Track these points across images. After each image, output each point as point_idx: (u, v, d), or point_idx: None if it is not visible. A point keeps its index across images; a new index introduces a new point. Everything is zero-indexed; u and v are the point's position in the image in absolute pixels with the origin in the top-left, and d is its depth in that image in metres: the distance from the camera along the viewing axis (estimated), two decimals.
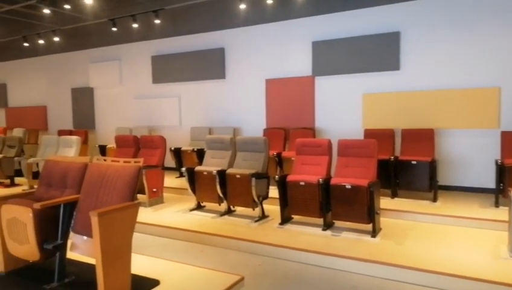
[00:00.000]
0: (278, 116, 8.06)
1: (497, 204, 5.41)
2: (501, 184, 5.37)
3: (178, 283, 3.28)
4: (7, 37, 10.48)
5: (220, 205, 5.54)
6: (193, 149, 7.90)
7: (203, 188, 5.52)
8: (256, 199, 5.10)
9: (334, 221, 4.84)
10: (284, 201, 4.89)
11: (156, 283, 3.23)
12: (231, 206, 5.60)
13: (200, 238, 4.74)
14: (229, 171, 5.34)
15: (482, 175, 6.33)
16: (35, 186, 6.31)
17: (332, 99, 7.52)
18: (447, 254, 3.95)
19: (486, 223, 4.82)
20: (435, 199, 5.78)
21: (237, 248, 4.45)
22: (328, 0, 7.09)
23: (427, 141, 6.32)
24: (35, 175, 7.18)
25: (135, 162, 3.15)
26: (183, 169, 5.70)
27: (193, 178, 5.57)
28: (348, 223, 4.71)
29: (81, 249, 3.08)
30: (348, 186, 4.45)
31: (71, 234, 3.16)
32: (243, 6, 6.98)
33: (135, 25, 8.45)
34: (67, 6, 7.49)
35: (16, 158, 7.84)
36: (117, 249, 2.87)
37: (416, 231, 4.76)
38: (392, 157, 5.97)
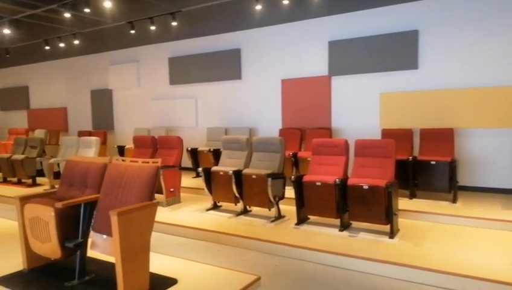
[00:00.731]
0: (294, 117, 8.04)
1: None
2: None
3: (195, 282, 3.31)
4: (29, 40, 10.77)
5: (236, 205, 5.56)
6: (209, 149, 7.95)
7: (220, 188, 5.55)
8: (272, 199, 5.10)
9: (351, 222, 4.80)
10: (300, 201, 4.87)
11: (173, 281, 3.26)
12: (247, 206, 5.61)
13: (217, 237, 4.76)
14: (245, 171, 5.35)
15: (504, 175, 6.18)
16: (56, 186, 6.46)
17: (349, 99, 7.46)
18: (467, 256, 3.87)
19: (509, 225, 4.70)
20: (454, 200, 5.67)
21: (253, 248, 4.46)
22: (344, 0, 7.05)
23: (446, 140, 6.21)
24: (56, 175, 7.35)
25: (153, 162, 3.20)
26: (200, 169, 5.75)
27: (209, 178, 5.61)
28: (365, 223, 4.66)
29: (101, 248, 3.14)
30: (366, 187, 4.41)
31: (91, 233, 3.23)
32: (259, 7, 6.99)
33: (153, 27, 8.56)
34: (87, 10, 7.65)
35: (37, 159, 8.03)
36: (136, 248, 2.91)
37: (436, 232, 4.68)
38: (411, 157, 5.89)
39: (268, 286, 3.53)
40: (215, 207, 5.89)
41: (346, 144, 5.01)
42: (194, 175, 8.34)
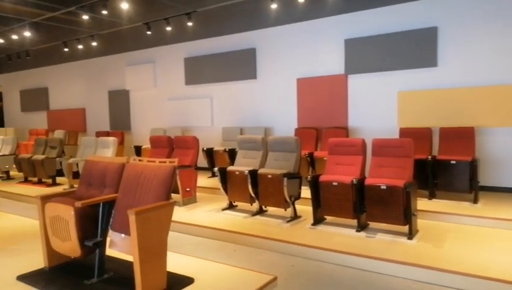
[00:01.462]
0: (310, 116, 7.99)
1: None
2: None
3: (212, 281, 3.32)
4: (48, 42, 11.01)
5: (251, 204, 5.55)
6: (225, 149, 7.97)
7: (235, 187, 5.56)
8: (288, 199, 5.07)
9: (368, 222, 4.74)
10: (317, 201, 4.84)
11: (190, 280, 3.27)
12: (263, 206, 5.60)
13: (233, 237, 4.77)
14: (261, 171, 5.34)
15: None
16: (75, 185, 6.57)
17: (366, 97, 7.37)
18: (488, 258, 3.78)
19: None
20: (475, 201, 5.54)
21: (269, 248, 4.44)
22: None
23: (467, 139, 6.07)
24: (75, 175, 7.48)
25: (170, 162, 3.22)
26: (216, 169, 5.77)
27: (225, 178, 5.62)
28: (383, 224, 4.60)
29: (119, 247, 3.18)
30: (383, 187, 4.34)
31: (110, 232, 3.27)
32: (274, 6, 6.98)
33: (169, 28, 8.64)
34: (104, 12, 7.76)
35: (57, 159, 8.19)
36: (153, 247, 2.94)
37: (456, 233, 4.58)
38: (430, 156, 5.78)
39: (285, 286, 3.51)
40: (230, 207, 5.90)
41: (364, 143, 4.95)
42: (210, 175, 8.38)
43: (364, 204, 4.54)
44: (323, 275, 3.79)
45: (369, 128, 7.24)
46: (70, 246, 3.14)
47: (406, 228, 4.37)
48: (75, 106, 12.55)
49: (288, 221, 5.11)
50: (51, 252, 3.46)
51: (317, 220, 4.92)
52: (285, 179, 4.99)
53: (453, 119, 6.43)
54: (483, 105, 6.26)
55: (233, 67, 8.96)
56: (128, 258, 3.17)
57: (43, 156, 8.26)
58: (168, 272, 3.13)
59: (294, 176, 5.18)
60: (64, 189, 7.35)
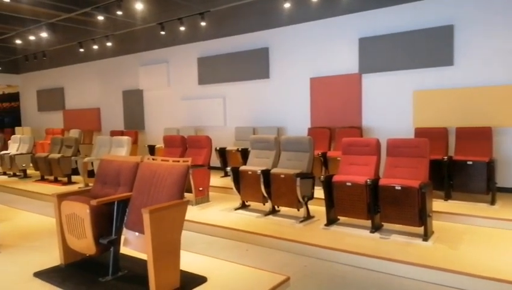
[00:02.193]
0: (323, 115, 7.94)
1: None
2: None
3: (225, 280, 3.32)
4: (64, 43, 11.19)
5: (264, 204, 5.54)
6: (238, 149, 7.98)
7: (248, 187, 5.56)
8: (301, 199, 5.05)
9: (382, 223, 4.68)
10: (330, 202, 4.80)
11: (203, 279, 3.28)
12: (275, 206, 5.59)
13: (245, 237, 4.77)
14: (274, 171, 5.33)
15: None
16: (90, 184, 6.65)
17: (381, 97, 7.29)
18: (506, 260, 3.69)
19: None
20: (493, 202, 5.43)
21: (282, 248, 4.43)
22: None
23: (484, 140, 5.95)
24: (90, 173, 7.58)
25: (184, 161, 3.23)
26: (228, 168, 5.78)
27: (238, 177, 5.62)
28: (397, 225, 4.54)
29: (133, 245, 3.21)
30: (398, 188, 4.29)
31: (124, 230, 3.30)
32: (287, 5, 6.95)
33: (182, 28, 8.69)
34: (119, 13, 7.85)
35: (73, 158, 8.31)
36: (167, 245, 2.95)
37: (472, 235, 4.50)
38: (446, 157, 5.69)
39: (298, 286, 3.50)
40: (243, 206, 5.90)
41: (378, 143, 4.89)
42: (223, 174, 8.40)
43: (379, 205, 4.49)
44: (336, 276, 3.76)
45: (383, 128, 7.16)
46: (85, 243, 3.18)
47: (421, 230, 4.31)
48: (90, 106, 12.73)
49: (301, 221, 5.09)
50: (67, 249, 3.51)
51: (331, 221, 4.89)
52: (298, 179, 4.97)
53: (469, 119, 6.31)
54: (500, 104, 6.13)
55: (246, 67, 8.96)
56: (142, 256, 3.20)
57: (59, 155, 8.40)
58: (181, 271, 3.15)
59: (307, 176, 5.16)
60: (79, 187, 7.48)
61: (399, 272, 3.69)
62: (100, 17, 8.48)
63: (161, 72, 10.63)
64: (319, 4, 7.28)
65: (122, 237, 3.30)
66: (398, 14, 7.02)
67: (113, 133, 10.69)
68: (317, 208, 5.29)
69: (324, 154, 6.91)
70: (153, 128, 11.04)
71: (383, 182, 4.45)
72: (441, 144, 6.24)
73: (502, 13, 6.12)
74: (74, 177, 8.47)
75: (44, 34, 9.71)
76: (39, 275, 3.44)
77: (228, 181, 6.11)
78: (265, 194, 5.34)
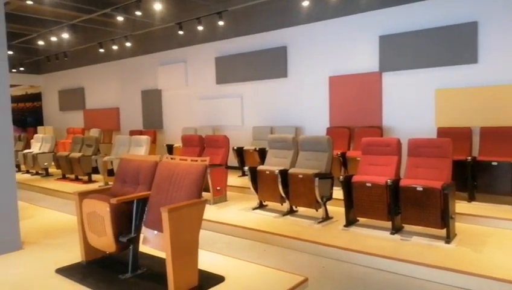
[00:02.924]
0: (342, 115, 7.85)
1: None
2: None
3: (242, 280, 3.31)
4: (85, 44, 11.40)
5: (282, 204, 5.51)
6: (255, 148, 7.97)
7: (265, 187, 5.53)
8: (319, 200, 4.99)
9: (403, 225, 4.59)
10: (349, 202, 4.73)
11: (221, 279, 3.28)
12: (293, 207, 5.55)
13: (263, 237, 4.75)
14: (292, 170, 5.29)
15: None
16: (110, 182, 6.75)
17: (402, 95, 7.15)
18: None
19: None
20: None
21: (300, 249, 4.39)
22: None
23: (509, 140, 5.75)
24: (110, 172, 7.69)
25: (202, 160, 3.23)
26: (246, 168, 5.76)
27: (255, 177, 5.61)
28: (418, 227, 4.43)
29: (152, 243, 3.22)
30: (420, 189, 4.19)
31: (143, 228, 3.32)
32: (306, 3, 6.90)
33: (200, 28, 8.73)
34: (138, 13, 7.94)
35: (93, 157, 8.45)
36: (185, 244, 2.96)
37: (497, 238, 4.36)
38: (469, 157, 5.54)
39: (316, 287, 3.46)
40: (261, 206, 5.88)
41: (399, 143, 4.79)
42: (240, 174, 8.40)
43: (399, 206, 4.39)
44: (355, 277, 3.70)
45: (404, 128, 7.02)
46: (105, 241, 3.22)
47: (443, 232, 4.20)
48: (109, 106, 12.93)
49: (320, 222, 5.03)
50: (87, 247, 3.56)
51: (350, 222, 4.82)
52: (317, 179, 4.91)
53: (494, 119, 6.12)
54: None
55: (264, 66, 8.93)
56: (161, 254, 3.21)
57: (79, 154, 8.55)
58: (199, 270, 3.15)
59: (326, 176, 5.10)
60: (99, 186, 7.60)
61: (420, 274, 3.61)
62: (119, 18, 8.60)
63: (179, 71, 10.71)
64: (338, 2, 7.20)
65: (141, 236, 3.32)
66: (419, 11, 6.87)
67: (132, 133, 10.82)
68: (336, 209, 5.22)
69: (343, 154, 6.83)
70: (171, 127, 11.13)
71: (404, 182, 4.36)
72: (465, 144, 6.08)
73: None
74: (94, 176, 8.60)
75: (65, 35, 9.92)
76: (61, 271, 3.50)
77: (245, 181, 6.09)
78: (283, 194, 5.30)
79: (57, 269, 3.54)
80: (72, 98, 14.22)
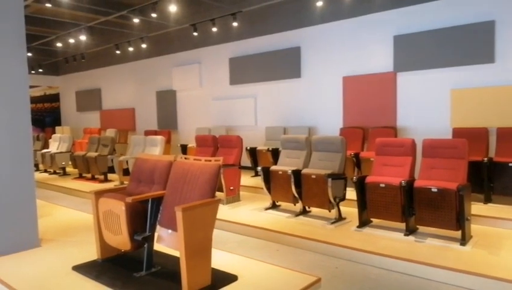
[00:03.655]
0: (356, 115, 7.80)
1: None
2: None
3: (255, 279, 3.33)
4: (102, 45, 11.59)
5: (295, 205, 5.51)
6: (268, 149, 7.98)
7: (278, 187, 5.54)
8: (332, 200, 4.98)
9: (417, 226, 4.54)
10: (363, 203, 4.71)
11: (234, 278, 3.30)
12: (306, 207, 5.55)
13: (276, 237, 4.76)
14: (305, 171, 5.29)
15: None
16: (125, 182, 6.85)
17: (416, 96, 7.07)
18: None
19: None
20: None
21: (313, 249, 4.39)
22: None
23: None
24: (125, 172, 7.80)
25: (215, 160, 3.26)
26: (259, 168, 5.78)
27: (268, 177, 5.62)
28: (433, 229, 4.38)
29: (166, 242, 3.27)
30: (434, 190, 4.15)
31: (158, 227, 3.37)
32: (320, 3, 6.88)
33: (214, 29, 8.79)
34: (153, 15, 8.04)
35: (109, 156, 8.59)
36: (199, 243, 2.99)
37: None
38: (486, 158, 5.44)
39: (329, 288, 3.46)
40: (274, 206, 5.89)
41: (413, 143, 4.75)
42: (253, 174, 8.42)
43: (414, 207, 4.35)
44: (368, 278, 3.69)
45: (419, 128, 6.94)
46: (121, 239, 3.28)
47: (458, 234, 4.15)
48: (125, 106, 13.11)
49: (333, 223, 5.02)
50: (103, 244, 3.63)
51: (363, 223, 4.79)
52: (330, 179, 4.90)
53: (511, 119, 6.01)
54: None
55: (278, 67, 8.94)
56: (175, 253, 3.26)
57: (96, 154, 8.70)
58: (213, 269, 3.18)
59: (339, 177, 5.08)
60: (115, 185, 7.72)
61: (435, 276, 3.58)
62: (135, 20, 8.72)
63: (193, 72, 10.80)
64: (352, 2, 7.16)
65: (156, 234, 3.38)
66: (435, 10, 6.79)
67: (147, 133, 10.95)
68: (349, 210, 5.20)
69: (357, 155, 6.79)
70: (186, 128, 11.23)
71: (418, 183, 4.32)
72: (481, 144, 5.98)
73: None
74: (110, 175, 8.72)
75: (83, 37, 10.11)
76: (77, 268, 3.57)
77: (258, 181, 6.11)
78: (296, 195, 5.31)
79: (74, 266, 3.61)
80: (89, 99, 14.46)
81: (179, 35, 10.26)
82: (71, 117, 15.61)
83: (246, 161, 8.34)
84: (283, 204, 5.87)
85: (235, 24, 8.42)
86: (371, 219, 4.89)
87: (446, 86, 6.72)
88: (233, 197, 6.40)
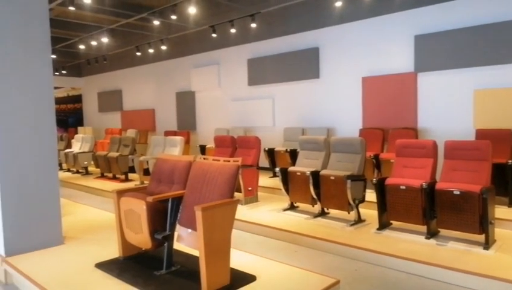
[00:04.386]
0: (376, 116, 7.71)
1: None
2: None
3: (274, 280, 3.33)
4: (123, 47, 11.81)
5: (313, 206, 5.49)
6: (286, 150, 7.97)
7: (297, 188, 5.53)
8: (351, 202, 4.94)
9: (439, 229, 4.45)
10: (382, 205, 4.65)
11: (252, 278, 3.32)
12: (325, 208, 5.51)
13: (294, 238, 4.75)
14: (323, 172, 5.26)
15: None
16: (146, 181, 6.96)
17: (438, 96, 6.94)
18: None
19: None
20: None
21: (332, 251, 4.37)
22: None
23: None
24: (146, 171, 7.93)
25: (234, 161, 3.29)
26: (277, 169, 5.78)
27: (286, 178, 5.61)
28: (455, 232, 4.30)
29: (186, 241, 3.31)
30: (457, 192, 4.06)
31: (177, 226, 3.42)
32: (339, 3, 6.84)
33: (233, 30, 8.84)
34: (173, 17, 8.15)
35: (129, 156, 8.74)
36: (218, 243, 3.02)
37: None
38: (510, 161, 5.30)
39: None
40: (292, 207, 5.88)
41: (435, 145, 4.67)
42: (271, 175, 8.43)
43: (435, 210, 4.28)
44: (388, 281, 3.65)
45: (440, 130, 6.81)
46: (142, 238, 3.34)
47: (481, 237, 4.05)
48: (145, 107, 13.31)
49: (352, 225, 4.98)
50: (124, 243, 3.70)
51: (383, 225, 4.73)
52: (349, 181, 4.86)
53: None
54: None
55: (296, 67, 8.92)
56: (194, 252, 3.30)
57: (117, 154, 8.86)
58: (231, 269, 3.20)
59: (358, 178, 5.03)
60: (135, 185, 7.85)
61: (456, 281, 3.51)
62: (156, 22, 8.86)
63: (212, 73, 10.88)
64: (371, 1, 7.09)
65: (176, 233, 3.42)
66: (456, 9, 6.65)
67: (167, 133, 11.08)
68: (369, 212, 5.15)
69: (376, 156, 6.71)
70: (204, 128, 11.32)
71: (440, 186, 4.24)
72: (505, 146, 5.82)
73: None
74: (131, 175, 8.88)
75: (105, 39, 10.32)
76: (100, 266, 3.65)
77: (276, 182, 6.12)
78: (315, 196, 5.28)
79: (96, 264, 3.69)
80: (110, 100, 14.74)
81: (198, 36, 10.36)
82: (93, 118, 15.95)
83: (264, 161, 8.35)
84: (301, 205, 5.86)
85: (253, 25, 8.45)
86: (391, 222, 4.82)
87: (469, 87, 6.57)
88: (252, 197, 6.42)
